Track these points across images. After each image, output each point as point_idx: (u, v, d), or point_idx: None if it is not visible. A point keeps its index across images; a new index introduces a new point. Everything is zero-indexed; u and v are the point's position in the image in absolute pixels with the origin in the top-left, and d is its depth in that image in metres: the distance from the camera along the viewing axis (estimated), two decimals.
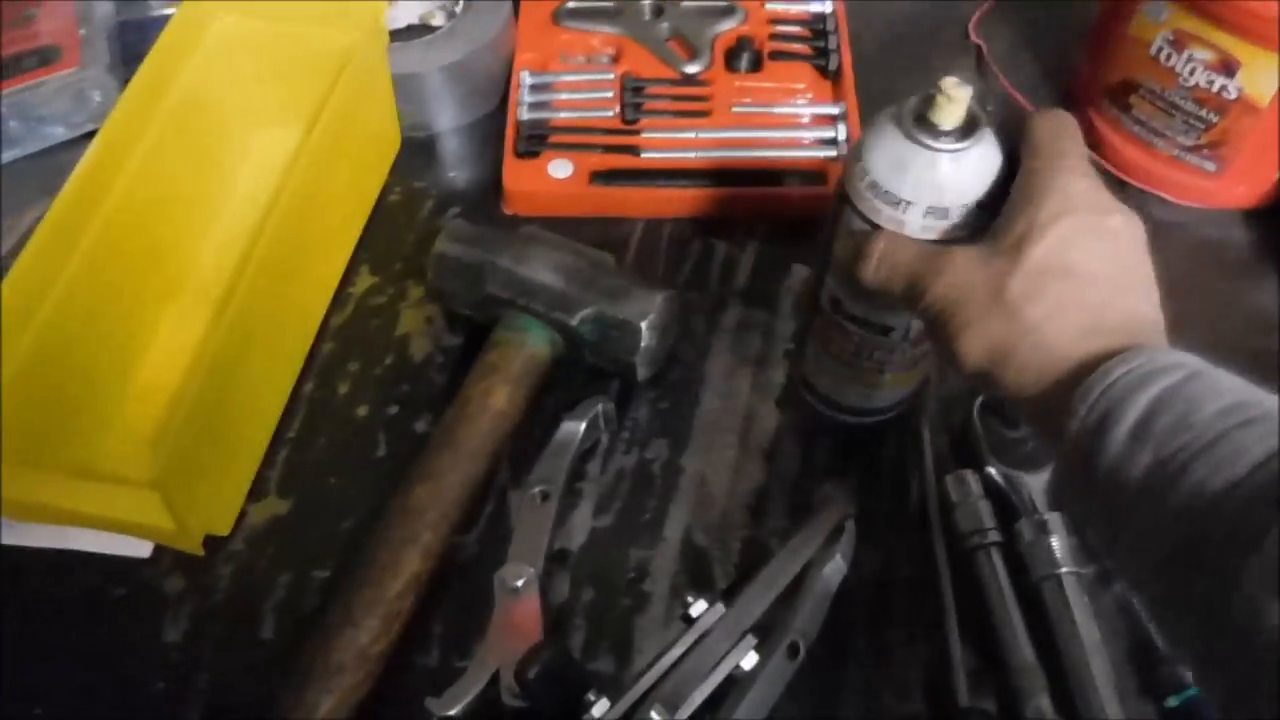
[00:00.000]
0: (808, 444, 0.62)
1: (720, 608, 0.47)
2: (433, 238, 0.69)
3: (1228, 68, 0.64)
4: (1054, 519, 0.56)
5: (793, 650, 0.52)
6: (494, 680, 0.50)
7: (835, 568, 0.55)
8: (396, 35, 0.73)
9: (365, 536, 0.58)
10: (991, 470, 0.59)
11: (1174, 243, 0.71)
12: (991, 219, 0.47)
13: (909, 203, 0.48)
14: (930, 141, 0.48)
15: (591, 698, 0.43)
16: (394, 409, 0.63)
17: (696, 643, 0.45)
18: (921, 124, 0.48)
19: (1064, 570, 0.55)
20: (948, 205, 0.48)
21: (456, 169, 0.75)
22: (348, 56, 0.67)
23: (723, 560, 0.58)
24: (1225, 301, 0.68)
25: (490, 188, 0.72)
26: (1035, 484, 0.58)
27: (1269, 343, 0.66)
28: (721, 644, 0.45)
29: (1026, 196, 0.45)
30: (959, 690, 0.53)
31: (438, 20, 0.78)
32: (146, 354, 0.65)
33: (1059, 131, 0.47)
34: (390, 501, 0.57)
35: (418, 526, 0.55)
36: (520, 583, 0.52)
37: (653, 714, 0.41)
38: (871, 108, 0.73)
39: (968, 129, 0.48)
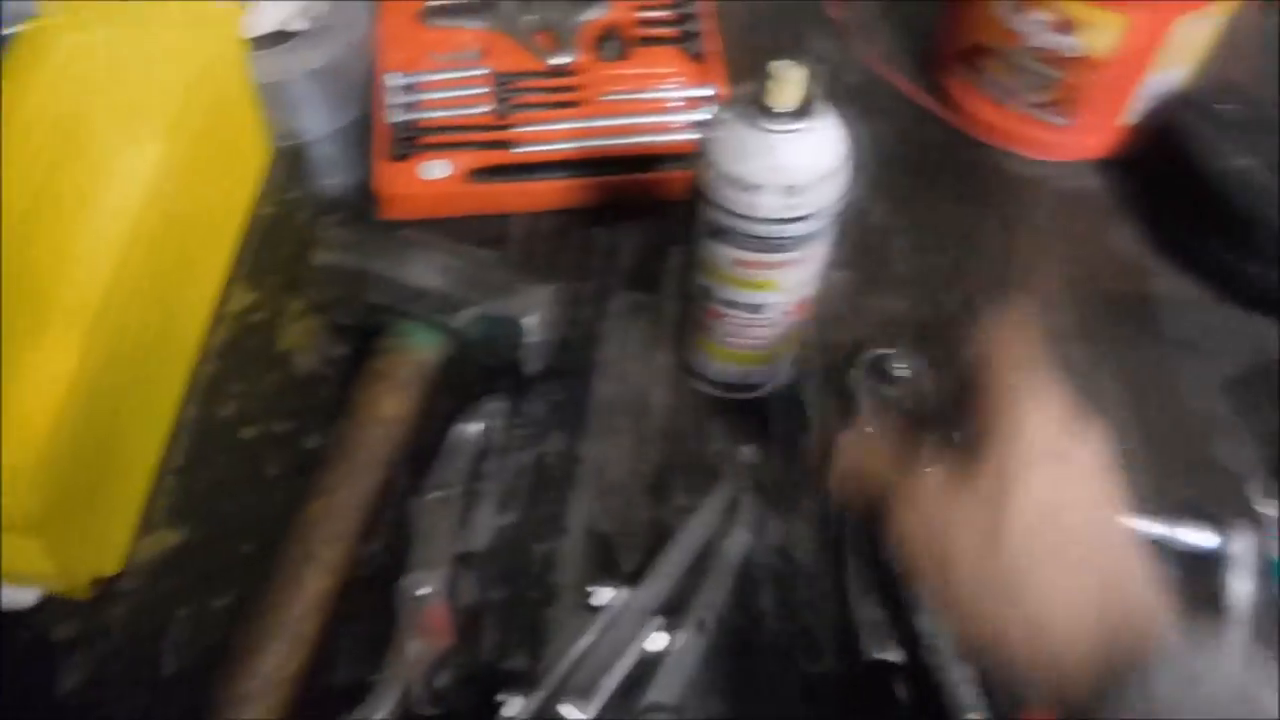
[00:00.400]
0: (701, 422, 0.63)
1: (625, 593, 0.47)
2: (307, 250, 0.68)
3: (1067, 27, 0.67)
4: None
5: (701, 626, 0.53)
6: (407, 692, 0.50)
7: (738, 540, 0.56)
8: (258, 42, 0.71)
9: (265, 559, 0.57)
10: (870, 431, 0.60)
11: (1035, 195, 0.74)
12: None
13: (759, 186, 0.49)
14: (770, 125, 0.49)
15: (503, 698, 0.43)
16: (283, 426, 0.62)
17: (604, 631, 0.46)
18: (760, 110, 0.49)
19: None
20: (797, 183, 0.49)
21: (330, 176, 0.73)
22: (205, 66, 0.66)
23: (628, 545, 0.58)
24: (1088, 246, 0.72)
25: (366, 193, 0.71)
26: None
27: (1130, 283, 0.69)
28: (628, 629, 0.46)
29: (994, 430, 0.43)
30: (865, 645, 0.54)
31: (298, 25, 0.77)
32: (14, 388, 0.62)
33: (1018, 354, 0.45)
34: (289, 520, 0.56)
35: (315, 543, 0.55)
36: (423, 591, 0.51)
37: (565, 709, 0.41)
38: (743, 80, 0.74)
39: (805, 108, 0.49)
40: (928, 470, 0.43)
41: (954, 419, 0.47)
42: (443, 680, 0.43)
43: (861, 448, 0.47)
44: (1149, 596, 0.41)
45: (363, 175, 0.72)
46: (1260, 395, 0.65)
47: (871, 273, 0.69)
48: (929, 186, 0.74)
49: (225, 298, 0.67)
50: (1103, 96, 0.70)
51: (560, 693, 0.43)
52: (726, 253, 0.53)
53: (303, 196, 0.72)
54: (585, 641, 0.46)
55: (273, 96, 0.72)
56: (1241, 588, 0.56)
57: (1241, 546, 0.56)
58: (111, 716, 0.53)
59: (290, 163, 0.74)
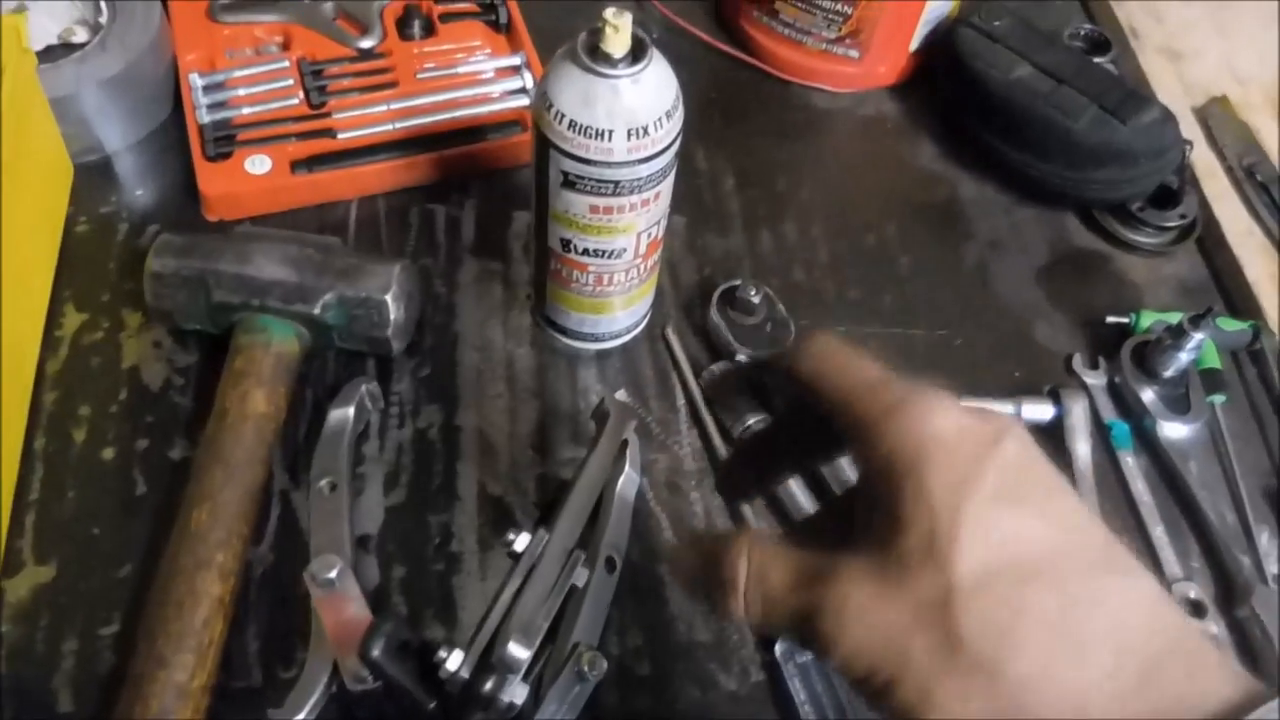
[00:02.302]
0: (571, 375, 0.64)
1: (543, 535, 0.48)
2: (136, 261, 0.66)
3: None
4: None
5: (610, 565, 0.54)
6: (332, 675, 0.49)
7: (629, 480, 0.58)
8: (41, 56, 0.67)
9: (149, 577, 0.55)
10: (740, 357, 0.64)
11: (839, 125, 0.79)
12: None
13: (609, 130, 0.51)
14: (609, 71, 0.50)
15: (443, 653, 0.44)
16: (143, 442, 0.60)
17: (528, 574, 0.47)
18: (597, 57, 0.50)
19: None
20: (644, 123, 0.52)
21: (142, 186, 0.70)
22: None
23: (521, 503, 0.59)
24: (895, 166, 0.77)
25: (184, 198, 0.69)
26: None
27: (938, 194, 0.75)
28: (553, 567, 0.47)
29: (890, 476, 0.33)
30: None
31: (79, 36, 0.73)
32: None
33: (847, 364, 0.36)
34: (171, 533, 0.54)
35: (207, 550, 0.53)
36: (332, 574, 0.51)
37: (510, 647, 0.42)
38: (548, 50, 0.75)
39: (638, 51, 0.51)
40: (842, 570, 0.33)
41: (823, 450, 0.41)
42: (374, 650, 0.43)
43: (770, 564, 0.36)
44: (1181, 628, 0.31)
45: (175, 180, 0.70)
46: (1068, 280, 0.72)
47: (703, 214, 0.72)
48: (742, 127, 0.78)
49: (53, 322, 0.64)
50: (890, 28, 0.76)
51: (499, 637, 0.44)
52: (582, 201, 0.54)
53: (116, 209, 0.69)
54: (513, 585, 0.46)
55: (65, 111, 0.68)
56: (1082, 449, 0.62)
57: (1077, 414, 0.63)
58: None
59: (96, 177, 0.70)
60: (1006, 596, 0.30)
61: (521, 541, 0.49)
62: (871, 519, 0.33)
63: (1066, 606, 0.31)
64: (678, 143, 0.54)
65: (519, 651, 0.42)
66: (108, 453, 0.59)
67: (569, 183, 0.54)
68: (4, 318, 0.59)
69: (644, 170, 0.53)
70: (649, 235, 0.58)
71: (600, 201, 0.54)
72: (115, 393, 0.61)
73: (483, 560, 0.57)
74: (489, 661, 0.44)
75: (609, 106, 0.51)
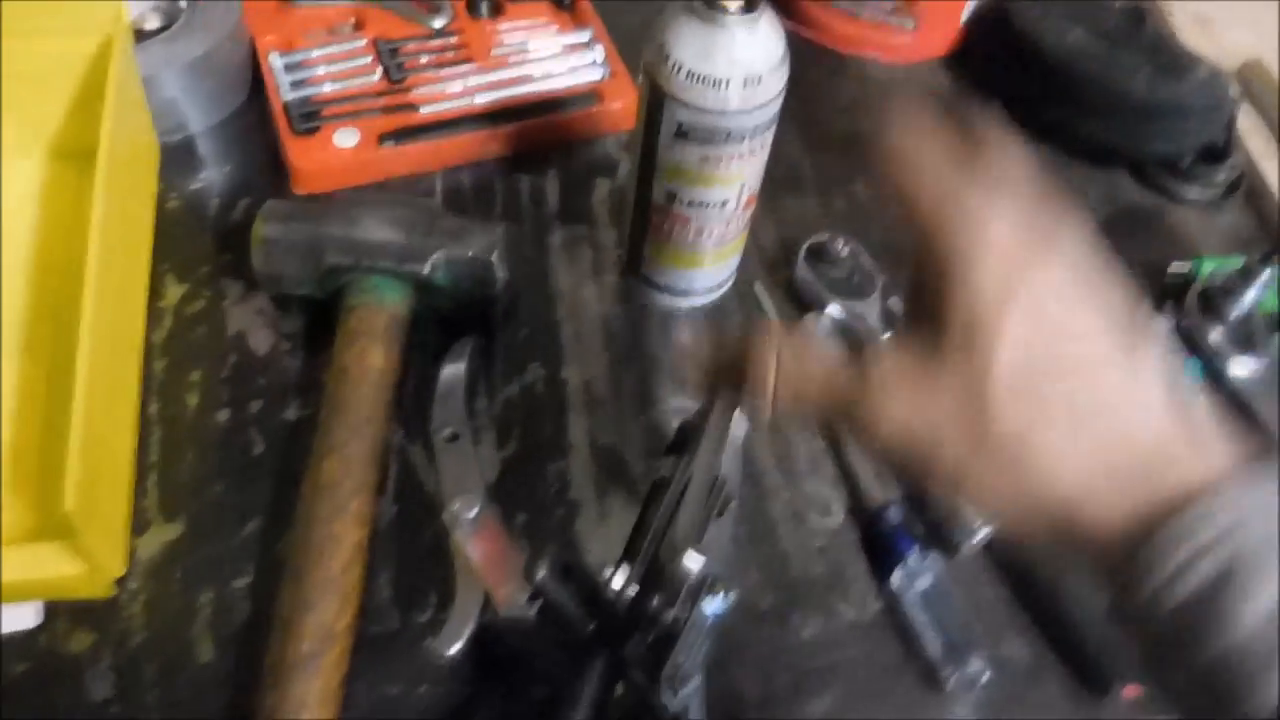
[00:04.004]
0: (666, 331, 0.66)
1: (687, 460, 0.50)
2: (231, 234, 0.67)
3: None
4: (893, 335, 0.64)
5: (725, 503, 0.56)
6: (483, 607, 0.51)
7: (739, 425, 0.59)
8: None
9: (277, 531, 0.56)
10: (831, 308, 0.66)
11: (895, 95, 0.82)
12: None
13: (726, 80, 0.53)
14: (727, 19, 0.53)
15: (609, 572, 0.45)
16: (256, 404, 0.61)
17: (679, 499, 0.48)
18: (714, 6, 0.53)
19: None
20: (759, 72, 0.54)
21: (227, 164, 0.71)
22: (90, 67, 0.63)
23: (631, 451, 0.61)
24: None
25: (271, 173, 0.70)
26: (870, 310, 0.66)
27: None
28: (701, 492, 0.48)
29: (942, 272, 0.35)
30: (869, 492, 0.59)
31: (152, 23, 0.74)
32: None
33: (924, 160, 0.38)
34: (296, 489, 0.55)
35: (341, 498, 0.54)
36: (473, 512, 0.52)
37: (686, 559, 0.43)
38: (615, 24, 0.78)
39: (750, 1, 0.53)
40: (882, 359, 0.36)
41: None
42: (541, 573, 0.44)
43: (803, 354, 0.39)
44: (1177, 429, 0.34)
45: (262, 158, 0.71)
46: (1125, 235, 0.74)
47: (777, 176, 0.74)
48: (803, 96, 0.79)
49: (155, 294, 0.64)
50: None
51: (661, 555, 0.45)
52: (694, 152, 0.56)
53: (206, 185, 0.70)
54: (665, 510, 0.48)
55: (152, 91, 0.69)
56: None
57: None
58: (156, 710, 0.51)
59: (181, 157, 0.71)
60: (1039, 387, 0.34)
61: (668, 467, 0.50)
62: (917, 313, 0.36)
63: (1091, 401, 0.34)
64: (784, 93, 0.56)
65: (693, 563, 0.44)
66: (222, 415, 0.60)
67: (682, 133, 0.56)
68: (113, 288, 0.60)
69: (755, 119, 0.55)
70: (750, 187, 0.60)
71: (712, 151, 0.56)
72: (224, 358, 0.62)
73: (602, 507, 0.59)
74: (654, 579, 0.45)
75: (728, 55, 0.53)
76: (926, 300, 0.36)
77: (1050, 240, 0.36)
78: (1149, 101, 0.72)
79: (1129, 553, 0.33)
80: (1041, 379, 0.34)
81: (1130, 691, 0.53)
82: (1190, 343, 0.68)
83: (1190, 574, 0.32)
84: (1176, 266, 0.71)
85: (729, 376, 0.40)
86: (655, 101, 0.56)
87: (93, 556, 0.49)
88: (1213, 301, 0.68)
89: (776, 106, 0.56)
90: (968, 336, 0.34)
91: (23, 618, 0.52)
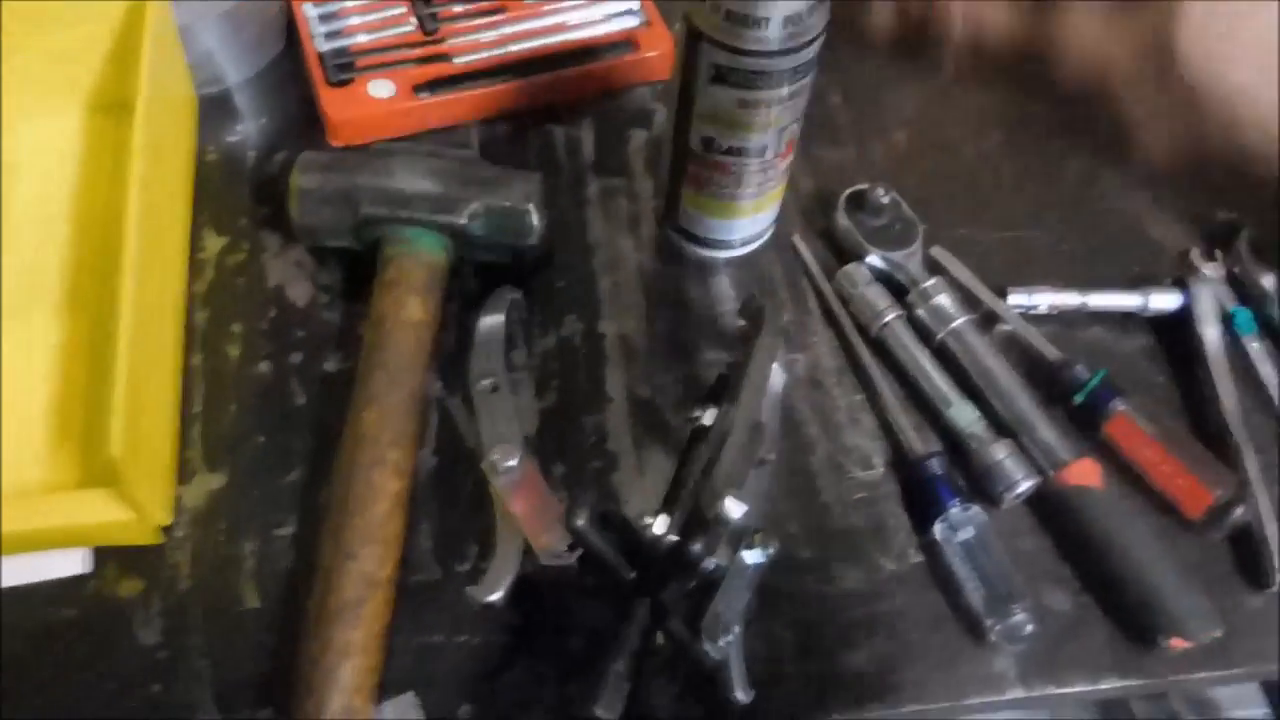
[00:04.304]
0: (704, 282, 0.66)
1: (727, 408, 0.49)
2: (269, 186, 0.67)
3: None
4: (935, 282, 0.63)
5: (765, 452, 0.56)
6: (523, 555, 0.51)
7: (777, 377, 0.59)
8: None
9: (319, 482, 0.56)
10: (871, 258, 0.65)
11: (933, 44, 0.80)
12: None
13: (766, 19, 0.52)
14: None
15: (648, 519, 0.45)
16: (296, 356, 0.61)
17: (720, 445, 0.48)
18: None
19: (958, 322, 0.62)
20: (799, 10, 0.53)
21: (264, 116, 0.71)
22: (125, 19, 0.63)
23: (668, 402, 0.61)
24: (999, 78, 0.78)
25: (306, 125, 0.70)
26: (911, 260, 0.65)
27: (1044, 103, 0.76)
28: (742, 436, 0.48)
29: None
30: (910, 444, 0.59)
31: None
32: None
33: None
34: (338, 439, 0.55)
35: (381, 449, 0.54)
36: (513, 461, 0.52)
37: (727, 504, 0.43)
38: None
39: None
40: (1071, 10, 0.36)
41: None
42: (579, 519, 0.45)
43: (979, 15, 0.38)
44: None
45: (297, 110, 0.71)
46: (1172, 183, 0.72)
47: (813, 126, 0.72)
48: (837, 46, 0.78)
49: (196, 246, 0.65)
50: None
51: (702, 500, 0.45)
52: (731, 95, 0.55)
53: (243, 139, 0.70)
54: (705, 455, 0.48)
55: (189, 43, 0.69)
56: (1211, 334, 0.63)
57: (1205, 301, 0.64)
58: (205, 656, 0.52)
59: (218, 109, 0.71)
60: (1223, 21, 0.33)
61: (709, 416, 0.50)
62: None
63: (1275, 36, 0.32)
64: (825, 34, 0.55)
65: (735, 509, 0.44)
66: (264, 367, 0.61)
67: (719, 77, 0.55)
68: (154, 240, 0.60)
69: (794, 60, 0.54)
70: (789, 133, 0.59)
71: (749, 95, 0.55)
72: (264, 310, 0.63)
73: (639, 458, 0.59)
74: (695, 526, 0.45)
75: None
76: None
77: None
78: None
79: None
80: (1229, 13, 0.33)
81: (1177, 643, 0.53)
82: (1242, 290, 0.67)
83: None
84: (1225, 215, 0.70)
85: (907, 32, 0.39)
86: (692, 44, 0.55)
87: (139, 503, 0.50)
88: (1264, 248, 0.67)
89: (816, 48, 0.55)
90: None
91: (73, 563, 0.53)
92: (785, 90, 0.55)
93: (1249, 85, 0.33)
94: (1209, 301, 0.64)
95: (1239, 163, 0.33)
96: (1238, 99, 0.33)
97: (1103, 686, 0.54)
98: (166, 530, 0.55)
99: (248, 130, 0.70)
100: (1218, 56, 0.34)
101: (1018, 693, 0.53)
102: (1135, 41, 0.34)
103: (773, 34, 0.53)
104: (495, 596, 0.49)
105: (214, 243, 0.65)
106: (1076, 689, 0.54)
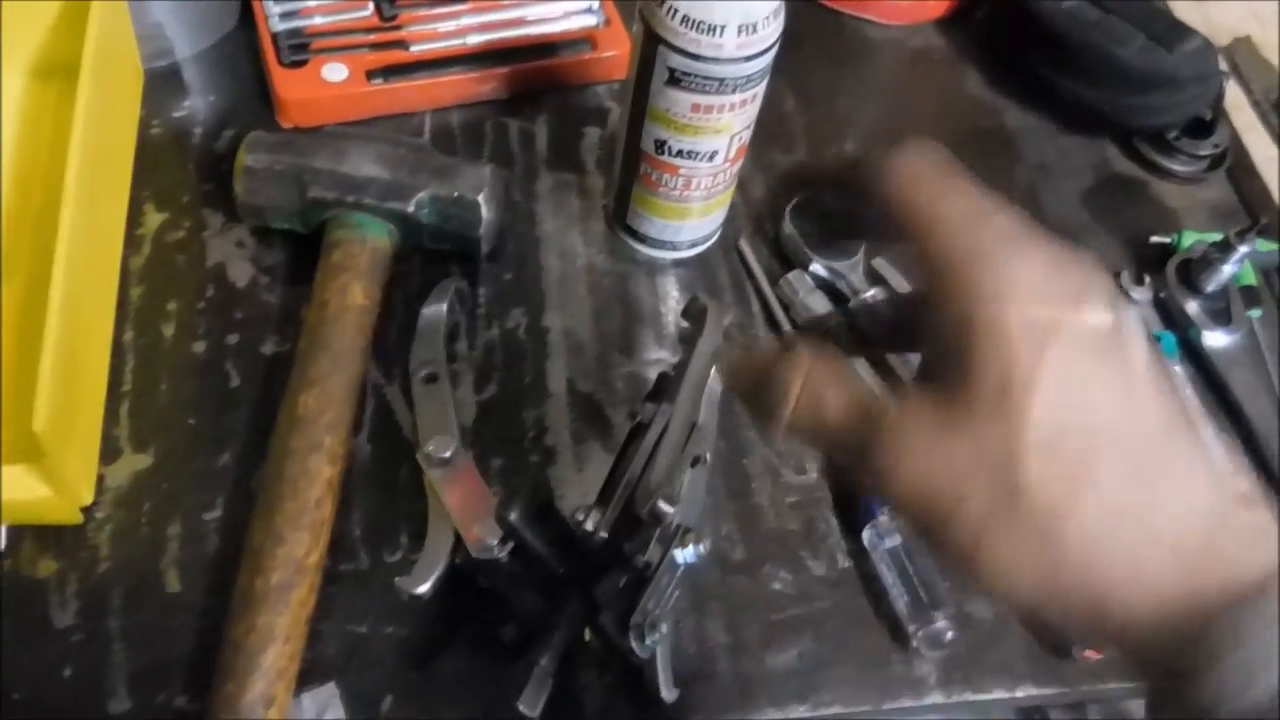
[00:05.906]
0: (650, 282, 0.66)
1: (666, 407, 0.49)
2: (214, 164, 0.66)
3: None
4: (875, 292, 0.64)
5: (698, 460, 0.56)
6: (454, 547, 0.51)
7: (716, 378, 0.59)
8: None
9: (250, 465, 0.56)
10: (815, 266, 0.65)
11: (891, 55, 0.81)
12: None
13: (721, 26, 0.53)
14: None
15: (580, 515, 0.45)
16: (234, 337, 0.60)
17: (656, 443, 0.48)
18: None
19: None
20: (755, 20, 0.53)
21: (213, 93, 0.70)
22: None
23: (609, 399, 0.61)
24: (946, 94, 0.79)
25: (257, 104, 0.69)
26: (853, 270, 0.65)
27: (987, 121, 0.78)
28: (679, 435, 0.48)
29: (969, 322, 0.31)
30: None
31: None
32: None
33: (941, 193, 0.34)
34: (273, 422, 0.55)
35: (316, 433, 0.54)
36: (448, 452, 0.52)
37: (660, 503, 0.43)
38: None
39: None
40: (907, 398, 0.33)
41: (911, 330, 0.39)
42: (512, 513, 0.44)
43: (830, 380, 0.34)
44: (1225, 509, 0.31)
45: (248, 88, 0.70)
46: (1111, 204, 0.74)
47: (767, 133, 0.73)
48: (797, 54, 0.79)
49: (134, 221, 0.64)
50: None
51: (636, 498, 0.45)
52: (685, 99, 0.56)
53: (190, 114, 0.69)
54: (643, 453, 0.48)
55: (138, 14, 0.68)
56: None
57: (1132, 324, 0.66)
58: (121, 640, 0.51)
59: (166, 83, 0.70)
60: (1074, 456, 0.30)
61: (647, 413, 0.50)
62: (941, 361, 0.32)
63: (1133, 474, 0.30)
64: (778, 44, 0.55)
65: (667, 507, 0.44)
66: (199, 346, 0.60)
67: (674, 80, 0.55)
68: (92, 210, 0.59)
69: (749, 68, 0.55)
70: (739, 139, 0.60)
71: (703, 100, 0.56)
72: (202, 289, 0.62)
73: (578, 453, 0.59)
74: (627, 523, 0.45)
75: (723, 0, 0.52)
76: (946, 340, 0.32)
77: (1082, 288, 0.31)
78: (1140, 69, 0.72)
79: (1178, 646, 0.29)
80: (1080, 445, 0.30)
81: (1091, 654, 0.54)
82: (1167, 314, 0.69)
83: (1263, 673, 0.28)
84: (1158, 238, 0.72)
85: (749, 382, 0.37)
86: (649, 46, 0.55)
87: (61, 481, 0.49)
88: (1191, 274, 0.69)
89: (770, 57, 0.55)
90: (997, 388, 0.30)
91: None
92: (738, 96, 0.56)
93: (1095, 536, 0.30)
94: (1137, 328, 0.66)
95: (1091, 601, 0.31)
96: (1083, 547, 0.30)
97: (1019, 694, 0.55)
98: (87, 510, 0.54)
99: (195, 106, 0.69)
100: (1065, 500, 0.30)
101: (937, 698, 0.54)
102: (972, 457, 0.31)
103: (729, 40, 0.53)
104: (423, 589, 0.49)
105: (154, 218, 0.64)
106: (994, 695, 0.55)
